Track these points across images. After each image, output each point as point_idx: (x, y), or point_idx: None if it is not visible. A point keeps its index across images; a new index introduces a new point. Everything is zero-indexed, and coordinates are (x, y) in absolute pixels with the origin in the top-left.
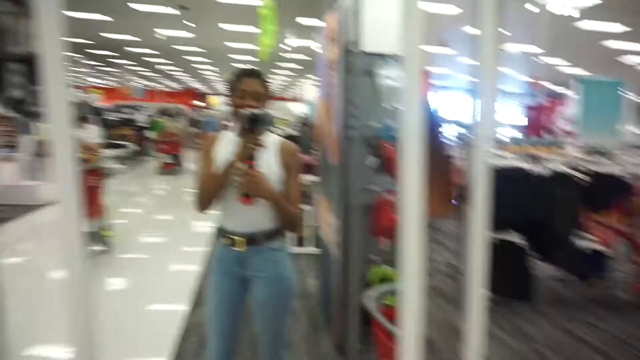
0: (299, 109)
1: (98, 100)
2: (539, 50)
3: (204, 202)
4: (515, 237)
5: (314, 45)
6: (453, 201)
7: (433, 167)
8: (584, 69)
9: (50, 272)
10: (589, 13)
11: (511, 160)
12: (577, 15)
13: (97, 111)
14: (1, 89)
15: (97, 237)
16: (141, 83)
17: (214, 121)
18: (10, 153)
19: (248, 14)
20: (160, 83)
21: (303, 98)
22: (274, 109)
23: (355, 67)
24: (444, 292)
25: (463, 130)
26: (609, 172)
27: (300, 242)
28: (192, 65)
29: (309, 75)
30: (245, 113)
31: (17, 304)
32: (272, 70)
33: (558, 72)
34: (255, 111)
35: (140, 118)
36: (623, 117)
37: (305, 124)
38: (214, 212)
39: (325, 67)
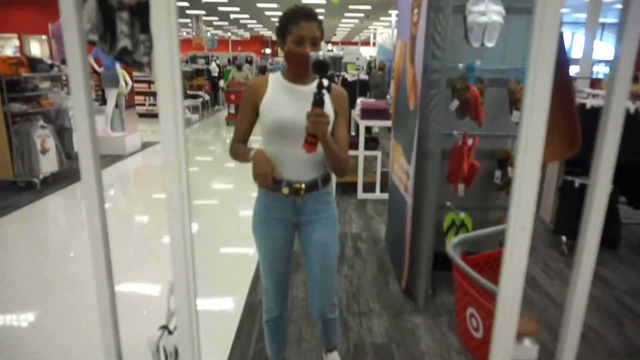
0: (370, 53)
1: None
2: None
3: (233, 158)
4: None
5: None
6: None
7: (560, 106)
8: None
9: (134, 216)
10: None
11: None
12: None
13: None
14: (113, 39)
15: None
16: (215, 34)
17: (283, 67)
18: (99, 107)
19: None
20: (232, 32)
21: (375, 41)
22: (342, 53)
23: (446, 4)
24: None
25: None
26: None
27: (368, 188)
28: (265, 13)
29: (382, 18)
30: (314, 56)
31: None
32: (343, 12)
33: None
34: (322, 57)
35: (213, 68)
36: None
37: (379, 67)
38: None
39: (407, 6)
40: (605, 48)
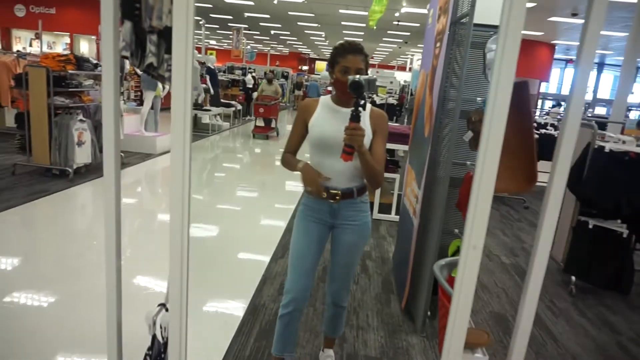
0: (403, 78)
1: (215, 62)
2: None
3: (283, 165)
4: (619, 226)
5: (427, 15)
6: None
7: (515, 141)
8: None
9: (157, 212)
10: None
11: (630, 145)
12: None
13: (213, 72)
14: (143, 56)
15: None
16: (256, 47)
17: (318, 85)
18: (137, 107)
19: None
20: (272, 47)
21: (411, 67)
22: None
23: (464, 39)
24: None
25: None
26: None
27: (384, 209)
28: (305, 31)
29: (420, 45)
30: (350, 79)
31: (126, 240)
32: (381, 37)
33: None
34: (357, 78)
35: (248, 80)
36: None
37: (410, 93)
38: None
39: (432, 39)
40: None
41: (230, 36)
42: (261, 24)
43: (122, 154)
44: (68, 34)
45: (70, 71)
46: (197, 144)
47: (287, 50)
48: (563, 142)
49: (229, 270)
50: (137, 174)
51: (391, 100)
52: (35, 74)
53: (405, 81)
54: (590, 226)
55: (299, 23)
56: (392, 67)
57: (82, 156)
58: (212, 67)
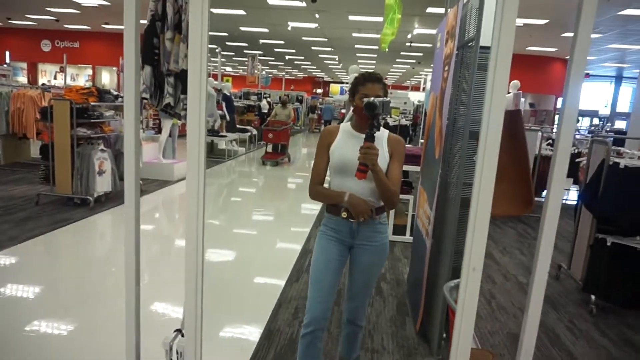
0: (417, 98)
1: (231, 89)
2: None
3: (316, 198)
4: (639, 243)
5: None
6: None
7: (512, 167)
8: None
9: (174, 238)
10: None
11: None
12: None
13: (229, 99)
14: (161, 96)
15: None
16: (271, 72)
17: (332, 108)
18: (155, 135)
19: (377, 5)
20: (286, 72)
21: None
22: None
23: (472, 61)
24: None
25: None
26: None
27: (398, 230)
28: (319, 56)
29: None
30: (365, 100)
31: (144, 266)
32: (395, 58)
33: None
34: (372, 100)
35: (264, 105)
36: None
37: (425, 112)
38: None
39: (440, 62)
40: None
41: (246, 62)
42: (276, 49)
43: (140, 181)
44: (90, 66)
45: (92, 103)
46: (213, 169)
47: (301, 74)
48: (557, 157)
49: (245, 294)
50: (155, 201)
51: (404, 122)
52: (60, 107)
53: (419, 101)
54: (609, 243)
55: (313, 48)
56: (406, 88)
57: (102, 185)
58: (228, 94)
